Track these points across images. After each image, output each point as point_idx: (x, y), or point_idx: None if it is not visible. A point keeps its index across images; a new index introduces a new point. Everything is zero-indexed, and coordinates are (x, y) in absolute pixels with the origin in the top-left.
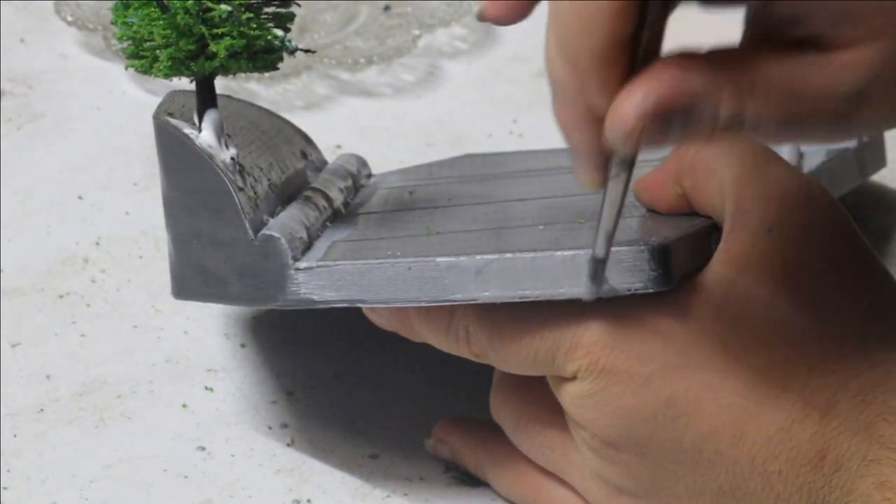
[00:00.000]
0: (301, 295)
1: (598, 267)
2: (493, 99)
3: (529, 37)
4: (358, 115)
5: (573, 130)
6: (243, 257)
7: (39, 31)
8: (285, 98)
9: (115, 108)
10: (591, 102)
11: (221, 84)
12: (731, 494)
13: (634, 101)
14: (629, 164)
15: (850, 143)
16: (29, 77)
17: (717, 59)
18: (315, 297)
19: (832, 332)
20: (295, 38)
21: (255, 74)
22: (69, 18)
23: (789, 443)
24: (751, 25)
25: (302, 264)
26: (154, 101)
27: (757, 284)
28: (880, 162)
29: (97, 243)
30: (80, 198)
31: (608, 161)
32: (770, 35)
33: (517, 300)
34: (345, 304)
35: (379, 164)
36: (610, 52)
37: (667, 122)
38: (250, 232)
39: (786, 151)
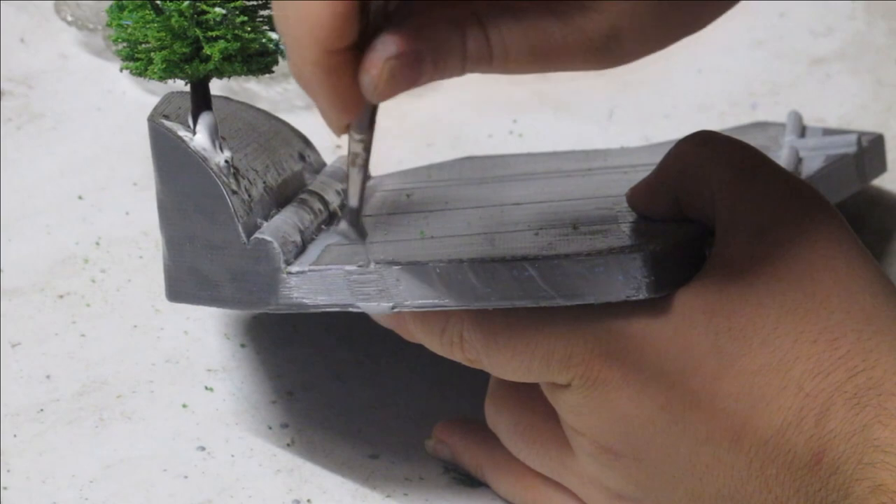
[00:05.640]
0: (293, 299)
1: (353, 215)
2: (493, 99)
3: None
4: None
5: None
6: (236, 261)
7: (39, 31)
8: (285, 98)
9: (115, 108)
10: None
11: (221, 84)
12: (729, 498)
13: (379, 52)
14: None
15: (850, 149)
16: (29, 77)
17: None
18: (307, 302)
19: (827, 334)
20: None
21: None
22: (69, 18)
23: (785, 446)
24: None
25: (294, 268)
26: (154, 102)
27: (750, 288)
28: (880, 167)
29: (97, 243)
30: (80, 198)
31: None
32: None
33: (509, 306)
34: (336, 309)
35: (379, 164)
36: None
37: (416, 61)
38: (243, 235)
39: (783, 157)
